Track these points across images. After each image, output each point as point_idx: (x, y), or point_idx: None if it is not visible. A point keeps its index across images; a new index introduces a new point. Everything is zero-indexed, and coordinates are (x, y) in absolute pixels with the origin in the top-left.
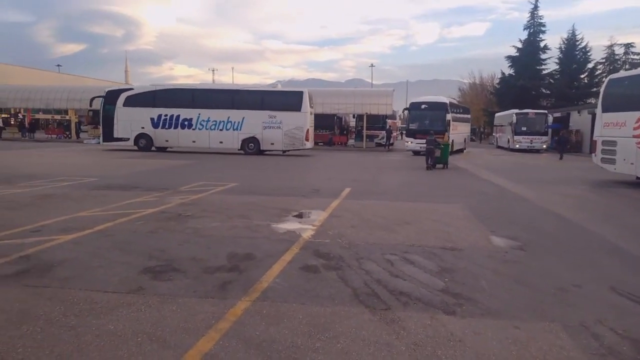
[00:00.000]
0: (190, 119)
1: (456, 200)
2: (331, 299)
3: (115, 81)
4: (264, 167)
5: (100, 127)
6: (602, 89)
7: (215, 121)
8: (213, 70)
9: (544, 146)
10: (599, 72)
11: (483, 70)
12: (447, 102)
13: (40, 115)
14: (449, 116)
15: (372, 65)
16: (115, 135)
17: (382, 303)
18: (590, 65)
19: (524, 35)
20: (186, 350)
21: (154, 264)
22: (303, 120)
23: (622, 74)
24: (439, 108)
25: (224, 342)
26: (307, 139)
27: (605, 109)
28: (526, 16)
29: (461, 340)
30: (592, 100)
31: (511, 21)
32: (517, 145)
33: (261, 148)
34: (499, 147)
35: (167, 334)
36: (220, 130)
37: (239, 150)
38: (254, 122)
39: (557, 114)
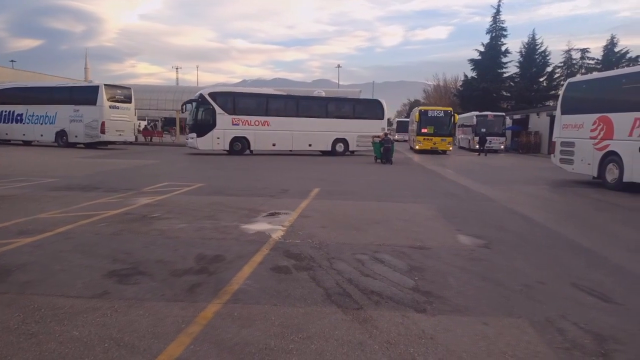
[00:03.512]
0: (22, 114)
1: (423, 200)
2: (303, 300)
3: (75, 78)
4: (231, 167)
5: None
6: (561, 92)
7: (38, 116)
8: (177, 69)
9: (502, 147)
10: (557, 75)
11: (447, 72)
12: (206, 94)
13: None
14: (205, 110)
15: (338, 66)
16: None
17: (354, 302)
18: (549, 69)
19: (486, 39)
20: (156, 355)
21: (119, 267)
22: (99, 114)
23: (580, 77)
24: (194, 101)
25: (195, 347)
26: (102, 132)
27: (564, 111)
28: (487, 20)
29: (432, 337)
30: (551, 103)
31: (473, 25)
32: (477, 146)
33: (69, 141)
34: (460, 147)
35: (135, 339)
36: (41, 124)
37: (53, 142)
38: (63, 116)
39: (517, 116)
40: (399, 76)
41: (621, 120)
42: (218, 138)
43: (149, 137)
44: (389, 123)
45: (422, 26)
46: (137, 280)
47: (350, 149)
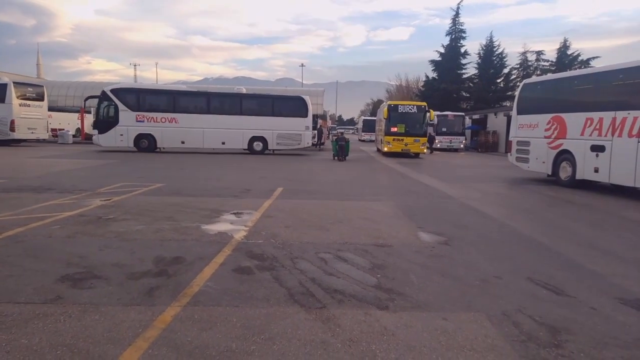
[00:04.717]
0: None
1: (385, 198)
2: (266, 300)
3: (27, 75)
4: (192, 166)
5: None
6: (517, 93)
7: None
8: (135, 66)
9: (462, 145)
10: (513, 76)
11: (409, 73)
12: (108, 90)
13: None
14: (107, 107)
15: (302, 65)
16: None
17: (317, 302)
18: (506, 71)
19: (446, 40)
20: None
21: (73, 271)
22: (8, 112)
23: (535, 78)
24: (96, 98)
25: (153, 351)
26: (12, 130)
27: (519, 112)
28: (447, 22)
29: (394, 333)
30: (508, 103)
31: (433, 27)
32: (439, 145)
33: None
34: None
35: (90, 345)
36: None
37: None
38: None
39: (476, 116)
40: (361, 76)
41: (574, 120)
42: (121, 135)
43: None
44: (353, 122)
45: (384, 27)
46: (92, 285)
47: (270, 147)
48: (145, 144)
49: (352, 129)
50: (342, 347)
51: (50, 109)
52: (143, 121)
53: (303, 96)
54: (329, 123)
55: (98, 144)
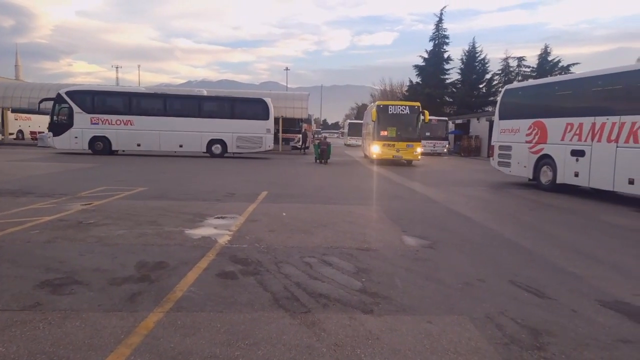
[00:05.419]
0: None
1: (369, 202)
2: (250, 305)
3: (6, 77)
4: (175, 170)
5: None
6: (499, 98)
7: None
8: (117, 68)
9: (445, 150)
10: (495, 82)
11: (393, 77)
12: (63, 93)
13: None
14: (62, 109)
15: (287, 69)
16: None
17: (302, 306)
18: (488, 76)
19: (429, 46)
20: None
21: (53, 277)
22: None
23: (516, 84)
24: (51, 100)
25: (136, 358)
26: None
27: (501, 117)
28: (430, 28)
29: (379, 337)
30: (490, 108)
31: (416, 32)
32: (422, 149)
33: None
34: None
35: (70, 352)
36: None
37: None
38: None
39: (459, 121)
40: (346, 80)
41: (554, 125)
42: (76, 137)
43: None
44: (338, 126)
45: (368, 31)
46: (72, 290)
47: (230, 150)
48: (100, 146)
49: (336, 133)
50: (327, 352)
51: (30, 111)
52: (98, 123)
53: (264, 98)
54: (314, 127)
55: (53, 146)
